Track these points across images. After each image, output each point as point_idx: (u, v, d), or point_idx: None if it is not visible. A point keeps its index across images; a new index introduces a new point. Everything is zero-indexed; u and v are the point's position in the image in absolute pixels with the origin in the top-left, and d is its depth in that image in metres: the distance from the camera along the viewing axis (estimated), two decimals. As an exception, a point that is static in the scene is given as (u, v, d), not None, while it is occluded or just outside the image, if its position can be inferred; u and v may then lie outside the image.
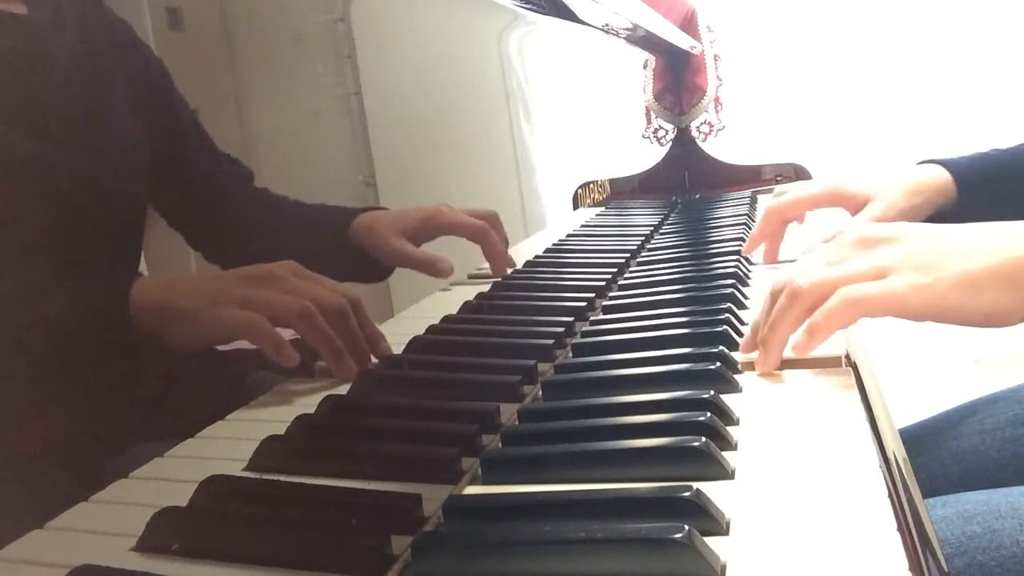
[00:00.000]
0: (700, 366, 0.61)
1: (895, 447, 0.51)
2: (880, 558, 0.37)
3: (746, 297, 0.84)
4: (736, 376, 0.62)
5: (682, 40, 1.79)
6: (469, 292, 0.88)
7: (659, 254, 1.11)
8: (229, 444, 0.57)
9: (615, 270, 1.00)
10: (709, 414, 0.51)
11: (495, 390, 0.62)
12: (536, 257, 1.10)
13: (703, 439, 0.48)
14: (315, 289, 0.65)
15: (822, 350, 0.62)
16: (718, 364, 0.61)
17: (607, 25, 1.65)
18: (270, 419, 0.60)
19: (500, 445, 0.54)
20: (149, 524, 0.43)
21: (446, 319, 0.80)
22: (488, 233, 0.94)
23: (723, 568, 0.38)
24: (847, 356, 0.63)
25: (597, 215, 1.56)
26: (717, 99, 1.85)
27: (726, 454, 0.48)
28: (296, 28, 0.87)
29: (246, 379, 0.67)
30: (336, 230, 0.85)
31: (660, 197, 1.79)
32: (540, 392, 0.63)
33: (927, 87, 2.68)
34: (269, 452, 0.53)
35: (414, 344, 0.73)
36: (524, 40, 1.45)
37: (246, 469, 0.52)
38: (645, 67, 1.88)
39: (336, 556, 0.41)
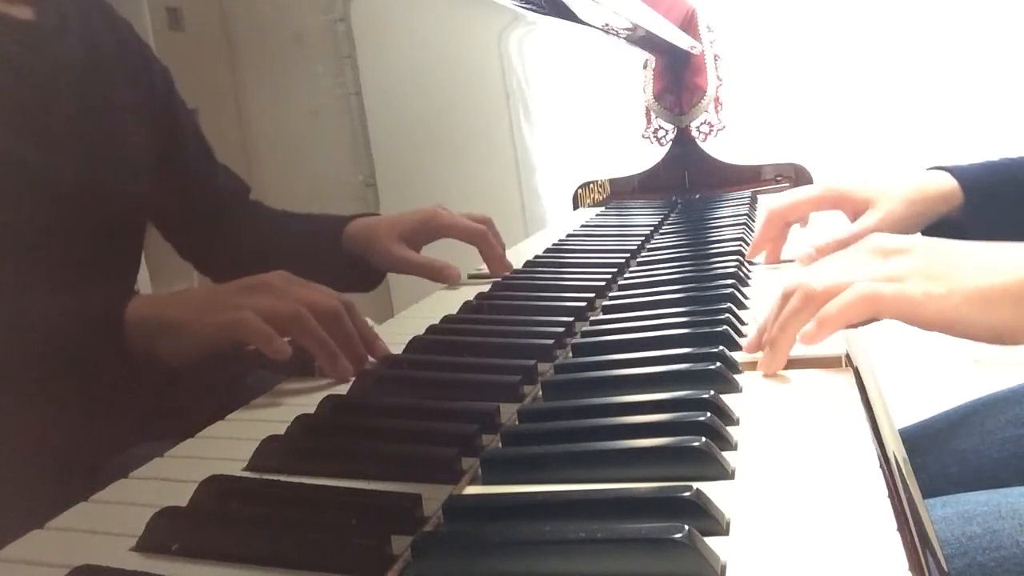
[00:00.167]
0: (700, 366, 0.61)
1: (895, 447, 0.51)
2: (880, 558, 0.37)
3: (746, 297, 0.84)
4: (736, 376, 0.62)
5: (682, 40, 1.79)
6: (469, 292, 0.88)
7: (659, 254, 1.11)
8: (229, 444, 0.57)
9: (615, 270, 1.00)
10: (709, 414, 0.51)
11: (495, 390, 0.62)
12: (536, 257, 1.10)
13: (703, 439, 0.48)
14: (308, 293, 0.65)
15: (822, 350, 0.62)
16: (718, 364, 0.61)
17: (607, 25, 1.65)
18: (270, 419, 0.60)
19: (500, 445, 0.54)
20: (149, 524, 0.43)
21: (446, 319, 0.80)
22: (486, 237, 0.95)
23: (723, 568, 0.38)
24: (847, 356, 0.63)
25: (597, 215, 1.56)
26: (717, 99, 1.85)
27: (726, 454, 0.48)
28: (296, 28, 0.87)
29: (246, 379, 0.67)
30: (328, 239, 0.85)
31: (660, 197, 1.79)
32: (540, 392, 0.63)
33: (927, 87, 2.68)
34: (269, 452, 0.53)
35: (414, 344, 0.73)
36: (524, 40, 1.45)
37: (246, 469, 0.52)
38: (645, 67, 1.88)
39: (336, 556, 0.41)
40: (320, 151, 0.90)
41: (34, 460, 0.53)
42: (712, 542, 0.39)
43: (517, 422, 0.58)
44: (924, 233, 0.96)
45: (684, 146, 1.85)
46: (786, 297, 0.64)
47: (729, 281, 0.85)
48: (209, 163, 0.76)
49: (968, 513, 0.74)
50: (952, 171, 0.97)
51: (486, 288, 0.91)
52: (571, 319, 0.77)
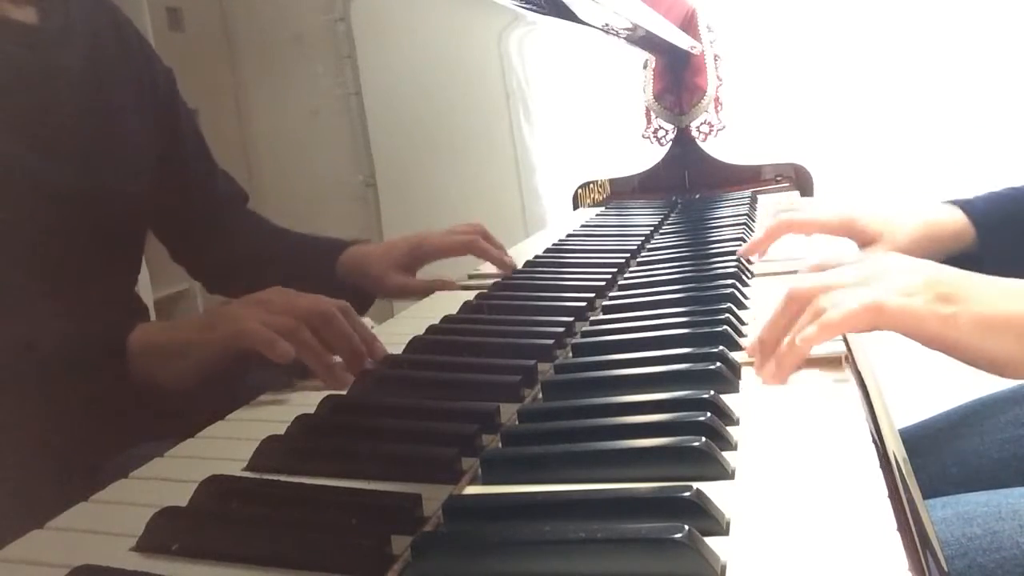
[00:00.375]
0: (700, 366, 0.61)
1: (895, 447, 0.51)
2: (880, 558, 0.37)
3: (746, 297, 0.84)
4: (736, 376, 0.62)
5: (682, 40, 1.79)
6: (469, 292, 0.88)
7: (659, 254, 1.11)
8: (229, 444, 0.57)
9: (615, 270, 1.00)
10: (709, 414, 0.51)
11: (495, 390, 0.62)
12: (536, 257, 1.10)
13: (703, 439, 0.48)
14: (304, 302, 0.66)
15: (822, 350, 0.62)
16: (718, 364, 0.61)
17: (607, 25, 1.65)
18: (270, 419, 0.60)
19: (500, 445, 0.54)
20: (149, 524, 0.43)
21: (446, 319, 0.80)
22: (477, 243, 0.95)
23: (723, 568, 0.38)
24: (847, 356, 0.63)
25: (597, 215, 1.56)
26: (717, 99, 1.85)
27: (726, 454, 0.48)
28: (296, 28, 0.87)
29: (246, 379, 0.67)
30: (322, 262, 0.86)
31: (660, 197, 1.79)
32: (540, 392, 0.63)
33: (927, 87, 2.68)
34: (269, 452, 0.53)
35: (414, 344, 0.73)
36: (524, 40, 1.45)
37: (246, 469, 0.52)
38: (645, 67, 1.88)
39: (336, 556, 0.41)
40: (320, 151, 0.90)
41: (34, 460, 0.53)
42: (712, 542, 0.39)
43: (517, 422, 0.58)
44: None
45: (684, 146, 1.85)
46: (790, 301, 0.64)
47: (729, 281, 0.85)
48: (208, 164, 0.76)
49: (968, 514, 0.74)
50: (961, 205, 0.96)
51: (486, 288, 0.91)
52: (571, 319, 0.77)
